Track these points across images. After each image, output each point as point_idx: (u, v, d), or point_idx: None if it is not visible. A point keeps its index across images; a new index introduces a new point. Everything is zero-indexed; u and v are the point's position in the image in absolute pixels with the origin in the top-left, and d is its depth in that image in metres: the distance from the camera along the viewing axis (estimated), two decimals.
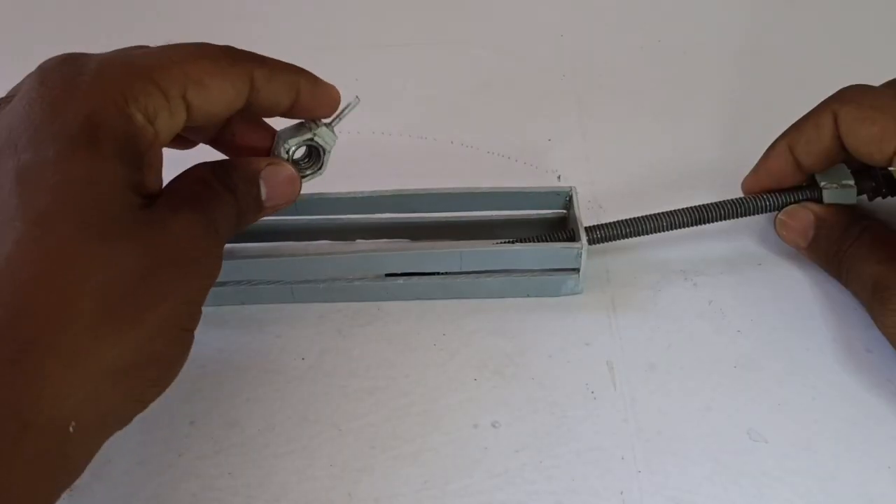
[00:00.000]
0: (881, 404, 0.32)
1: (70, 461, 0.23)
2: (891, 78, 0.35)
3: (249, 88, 0.28)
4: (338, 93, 0.31)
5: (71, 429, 0.22)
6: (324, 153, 0.32)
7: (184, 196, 0.27)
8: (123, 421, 0.24)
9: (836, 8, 0.56)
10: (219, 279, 0.34)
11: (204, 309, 0.36)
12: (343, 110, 0.32)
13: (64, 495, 0.29)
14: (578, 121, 0.47)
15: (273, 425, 0.32)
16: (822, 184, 0.36)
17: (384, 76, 0.51)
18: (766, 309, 0.36)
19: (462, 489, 0.30)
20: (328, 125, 0.32)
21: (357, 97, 0.32)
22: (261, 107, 0.29)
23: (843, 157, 0.35)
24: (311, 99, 0.30)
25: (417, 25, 0.55)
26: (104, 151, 0.24)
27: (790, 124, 0.37)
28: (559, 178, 0.43)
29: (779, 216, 0.37)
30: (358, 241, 0.38)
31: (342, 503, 0.29)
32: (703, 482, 0.30)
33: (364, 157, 0.44)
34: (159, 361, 0.25)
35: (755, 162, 0.38)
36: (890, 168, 0.34)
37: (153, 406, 0.32)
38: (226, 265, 0.34)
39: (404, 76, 0.51)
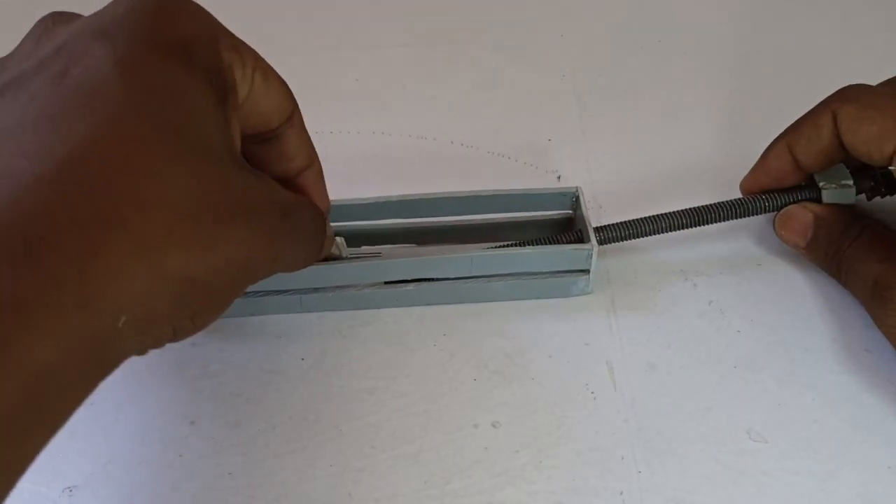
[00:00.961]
0: (881, 404, 0.32)
1: (106, 358, 0.21)
2: (890, 77, 0.35)
3: (289, 115, 0.29)
4: (327, 207, 0.33)
5: (120, 323, 0.20)
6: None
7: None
8: (148, 342, 0.23)
9: (836, 8, 0.56)
10: None
11: None
12: (365, 253, 0.36)
13: (64, 495, 0.30)
14: (578, 121, 0.47)
15: (273, 425, 0.32)
16: (821, 184, 0.36)
17: (384, 76, 0.51)
18: (766, 309, 0.36)
19: (462, 489, 0.30)
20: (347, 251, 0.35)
21: (381, 252, 0.36)
22: (282, 149, 0.30)
23: (843, 157, 0.35)
24: (313, 182, 0.31)
25: (417, 25, 0.55)
26: (196, 72, 0.24)
27: (789, 124, 0.37)
28: (559, 178, 0.43)
29: (778, 216, 0.37)
30: (363, 247, 0.38)
31: (342, 503, 0.29)
32: (703, 482, 0.30)
33: (364, 157, 0.44)
34: (208, 296, 0.24)
35: (755, 161, 0.38)
36: (889, 167, 0.34)
37: (153, 406, 0.32)
38: None
39: (404, 76, 0.51)
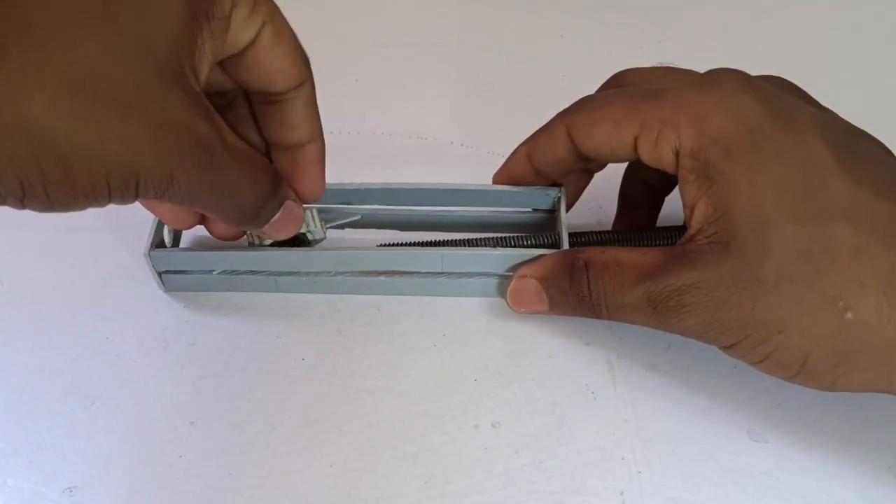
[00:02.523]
0: (881, 405, 0.32)
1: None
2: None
3: (298, 84, 0.29)
4: (317, 192, 0.32)
5: None
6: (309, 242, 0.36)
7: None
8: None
9: (837, 9, 0.56)
10: (202, 268, 0.36)
11: (195, 295, 0.37)
12: (344, 223, 0.36)
13: (64, 495, 0.30)
14: None
15: (273, 425, 0.32)
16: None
17: (384, 76, 0.51)
18: None
19: (462, 489, 0.30)
20: (325, 227, 0.36)
21: (361, 216, 0.37)
22: (284, 115, 0.30)
23: (581, 166, 0.35)
24: (309, 160, 0.31)
25: (417, 25, 0.55)
26: None
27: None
28: None
29: (507, 297, 0.35)
30: (347, 229, 0.39)
31: (342, 503, 0.29)
32: (703, 482, 0.30)
33: (364, 157, 0.44)
34: (66, 172, 0.22)
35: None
36: (639, 158, 0.33)
37: (153, 406, 0.32)
38: (210, 255, 0.35)
39: (404, 76, 0.51)
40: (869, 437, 0.31)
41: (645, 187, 0.38)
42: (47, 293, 0.37)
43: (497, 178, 0.37)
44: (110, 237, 0.39)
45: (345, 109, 0.48)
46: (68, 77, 0.21)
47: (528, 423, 0.32)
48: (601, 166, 0.37)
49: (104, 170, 0.23)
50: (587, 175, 0.38)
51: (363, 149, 0.45)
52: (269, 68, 0.28)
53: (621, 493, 0.29)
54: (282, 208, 0.31)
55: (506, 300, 0.36)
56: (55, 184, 0.22)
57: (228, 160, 0.26)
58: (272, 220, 0.31)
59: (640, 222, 0.38)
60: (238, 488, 0.30)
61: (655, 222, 0.39)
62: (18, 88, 0.21)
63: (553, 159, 0.34)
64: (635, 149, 0.31)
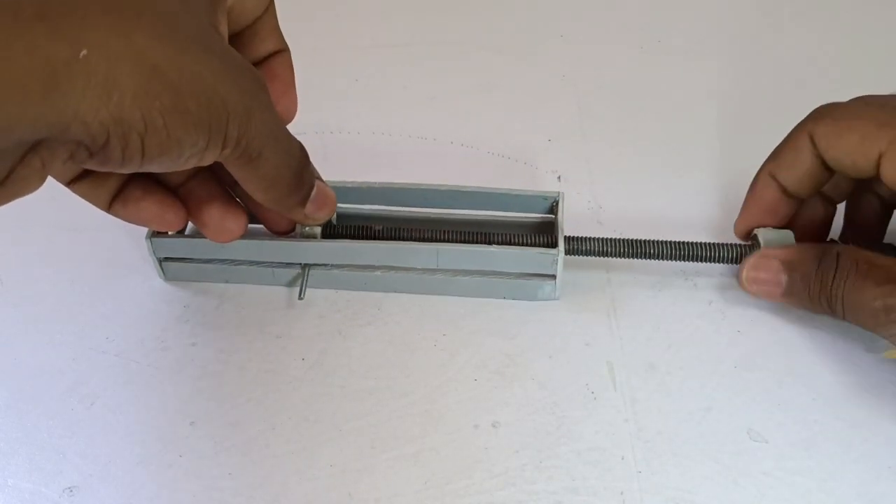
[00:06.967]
0: (881, 405, 0.32)
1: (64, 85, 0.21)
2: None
3: (266, 7, 0.30)
4: (293, 108, 0.33)
5: (81, 54, 0.21)
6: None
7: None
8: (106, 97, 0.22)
9: (839, 8, 0.56)
10: (202, 255, 0.36)
11: (195, 295, 0.37)
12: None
13: (64, 495, 0.30)
14: (578, 121, 0.47)
15: (273, 425, 0.32)
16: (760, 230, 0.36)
17: (384, 76, 0.51)
18: (766, 309, 0.36)
19: (462, 489, 0.30)
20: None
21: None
22: (255, 30, 0.30)
23: (829, 178, 0.34)
24: (283, 69, 0.32)
25: (417, 25, 0.55)
26: None
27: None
28: (559, 178, 0.43)
29: (743, 275, 0.35)
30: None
31: (342, 503, 0.29)
32: (703, 482, 0.30)
33: (364, 157, 0.44)
34: (175, 93, 0.23)
35: (754, 162, 0.37)
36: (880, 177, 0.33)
37: (153, 406, 0.32)
38: (208, 244, 0.35)
39: (404, 76, 0.51)
40: (869, 437, 0.31)
41: (877, 200, 0.36)
42: (47, 293, 0.37)
43: (745, 217, 0.36)
44: (110, 237, 0.39)
45: (345, 109, 0.48)
46: (161, 22, 0.23)
47: (528, 423, 0.32)
48: (843, 195, 0.36)
49: (205, 98, 0.24)
50: (831, 206, 0.37)
51: (363, 149, 0.45)
52: (249, 6, 0.29)
53: (621, 493, 0.29)
54: (315, 187, 0.31)
55: (738, 277, 0.35)
56: (170, 111, 0.23)
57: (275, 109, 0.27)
58: (311, 196, 0.31)
59: (870, 236, 0.37)
60: (238, 488, 0.30)
61: (883, 237, 0.37)
62: (129, 29, 0.22)
63: (799, 172, 0.34)
64: (878, 166, 0.31)
